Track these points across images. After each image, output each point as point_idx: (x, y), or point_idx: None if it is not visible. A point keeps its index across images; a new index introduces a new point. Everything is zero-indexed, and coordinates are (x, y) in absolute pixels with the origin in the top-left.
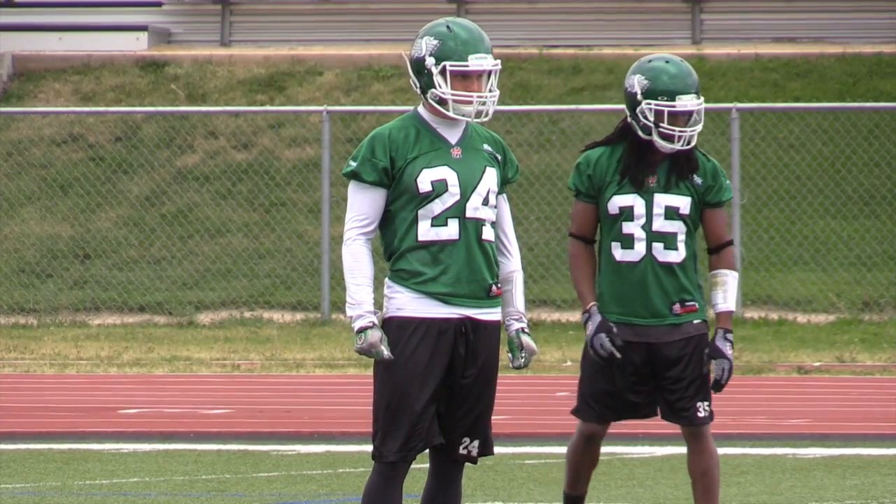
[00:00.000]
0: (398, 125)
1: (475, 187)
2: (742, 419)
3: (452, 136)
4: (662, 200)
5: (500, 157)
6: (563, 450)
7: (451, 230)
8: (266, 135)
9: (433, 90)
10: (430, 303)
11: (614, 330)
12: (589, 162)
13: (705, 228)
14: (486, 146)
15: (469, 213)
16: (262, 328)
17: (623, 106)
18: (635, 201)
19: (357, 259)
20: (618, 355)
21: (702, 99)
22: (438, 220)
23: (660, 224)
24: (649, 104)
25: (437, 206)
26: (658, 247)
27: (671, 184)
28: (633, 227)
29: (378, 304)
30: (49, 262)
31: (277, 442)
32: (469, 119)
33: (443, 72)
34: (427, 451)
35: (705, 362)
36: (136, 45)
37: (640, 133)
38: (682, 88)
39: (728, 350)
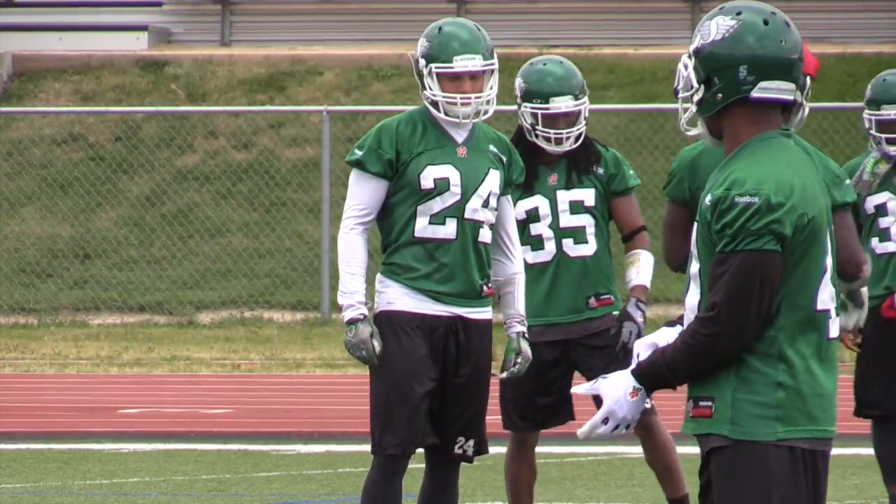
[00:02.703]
0: (407, 118)
1: (476, 189)
2: None
3: (459, 135)
4: (566, 196)
5: (505, 159)
6: (563, 449)
7: (449, 229)
8: (266, 135)
9: (425, 91)
10: (422, 298)
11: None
12: None
13: (616, 218)
14: (492, 147)
15: (468, 214)
16: (262, 328)
17: (623, 105)
18: (539, 202)
19: (353, 248)
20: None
21: (583, 100)
22: (437, 218)
23: (566, 220)
24: (526, 107)
25: (437, 204)
26: (568, 242)
27: (572, 180)
28: (540, 228)
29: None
30: (49, 262)
31: (277, 442)
32: (458, 120)
33: (431, 73)
34: (423, 451)
35: (615, 327)
36: (136, 44)
37: (527, 135)
38: (557, 90)
39: (638, 316)
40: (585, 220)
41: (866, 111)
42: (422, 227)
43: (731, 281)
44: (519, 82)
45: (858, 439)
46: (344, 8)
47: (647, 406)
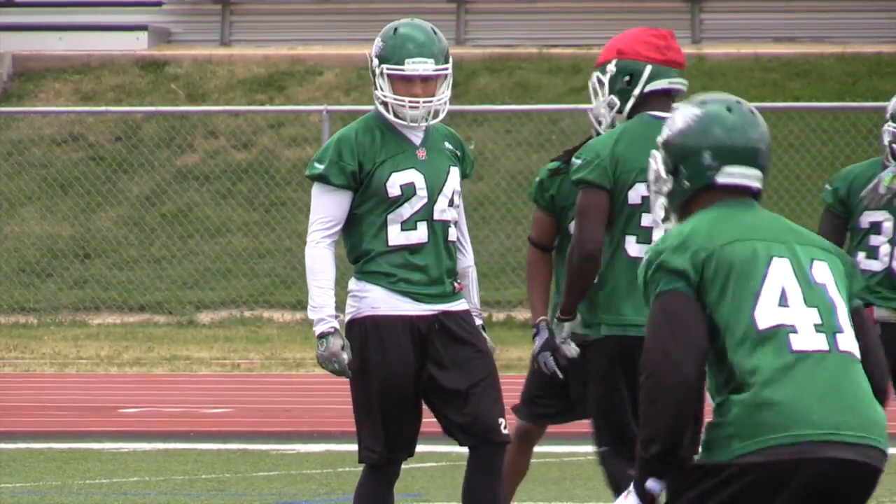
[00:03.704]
0: (363, 126)
1: (441, 189)
2: None
3: (416, 136)
4: None
5: (459, 154)
6: (563, 449)
7: (421, 233)
8: (266, 134)
9: (376, 92)
10: (404, 300)
11: (561, 349)
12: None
13: None
14: (447, 144)
15: (437, 216)
16: (261, 327)
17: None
18: None
19: (321, 262)
20: (560, 375)
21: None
22: (408, 224)
23: None
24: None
25: (407, 210)
26: None
27: None
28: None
29: (339, 307)
30: (49, 262)
31: (277, 441)
32: (404, 123)
33: (383, 74)
34: (467, 447)
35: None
36: (136, 44)
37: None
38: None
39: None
40: None
41: (891, 124)
42: (395, 235)
43: (649, 326)
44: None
45: None
46: (344, 8)
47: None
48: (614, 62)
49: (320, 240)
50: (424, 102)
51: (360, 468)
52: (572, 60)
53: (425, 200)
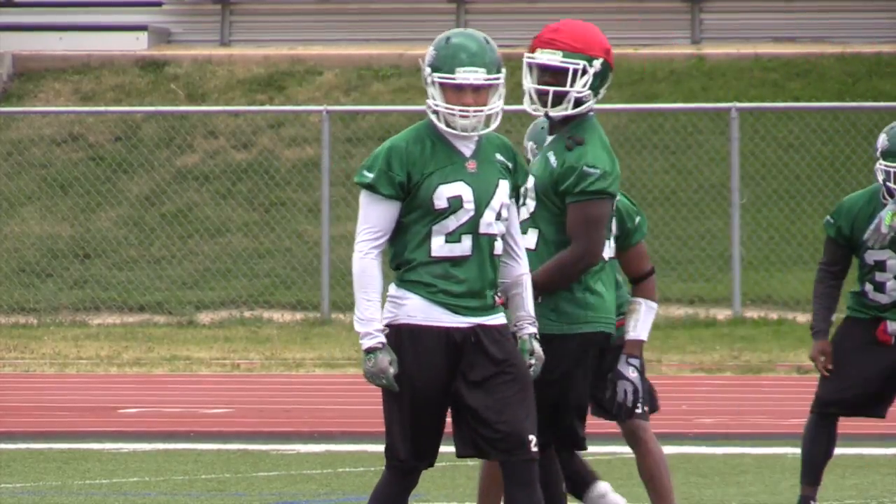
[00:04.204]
0: (414, 136)
1: (489, 202)
2: (742, 419)
3: (467, 147)
4: None
5: (511, 166)
6: None
7: (465, 246)
8: (266, 134)
9: (428, 101)
10: (442, 311)
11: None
12: None
13: (623, 263)
14: (498, 156)
15: (482, 229)
16: (261, 328)
17: (622, 105)
18: None
19: (369, 274)
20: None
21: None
22: (452, 237)
23: None
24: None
25: (452, 223)
26: None
27: None
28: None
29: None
30: (49, 262)
31: (277, 441)
32: (456, 132)
33: (434, 83)
34: (500, 462)
35: (608, 387)
36: (135, 44)
37: None
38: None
39: (630, 372)
40: None
41: (882, 163)
42: (438, 247)
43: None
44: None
45: (859, 439)
46: (343, 8)
47: (637, 411)
48: (602, 61)
49: (368, 250)
50: (475, 112)
51: (361, 468)
52: None
53: (472, 213)
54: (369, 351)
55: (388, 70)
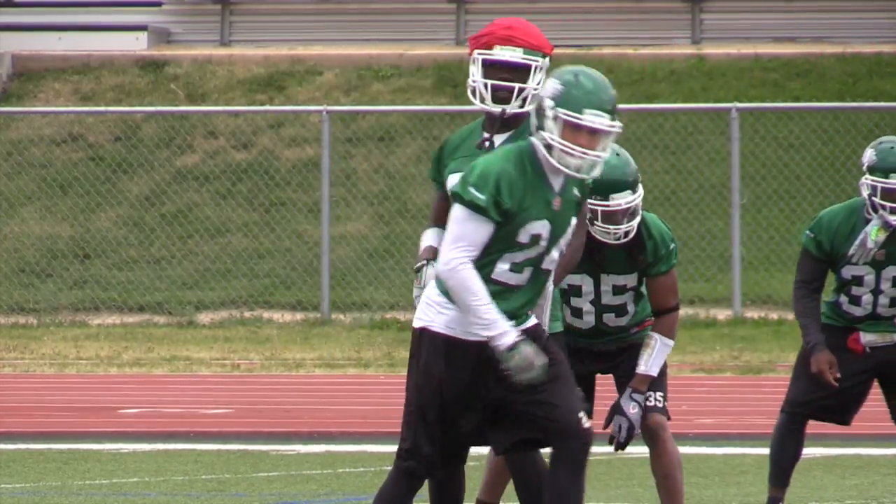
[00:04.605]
0: (517, 162)
1: (559, 241)
2: (742, 419)
3: (557, 182)
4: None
5: (581, 199)
6: None
7: (524, 277)
8: (266, 134)
9: (542, 133)
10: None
11: None
12: None
13: (649, 293)
14: (575, 191)
15: (545, 265)
16: (261, 328)
17: (622, 105)
18: (583, 280)
19: (473, 281)
20: None
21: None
22: (517, 267)
23: (608, 299)
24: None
25: (521, 256)
26: (609, 317)
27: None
28: (581, 303)
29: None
30: (49, 262)
31: (277, 442)
32: (567, 171)
33: (556, 118)
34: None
35: (606, 419)
36: (135, 44)
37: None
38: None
39: (631, 408)
40: (626, 298)
41: (869, 177)
42: (500, 272)
43: None
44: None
45: (859, 439)
46: (343, 8)
47: (659, 405)
48: (548, 59)
49: (465, 260)
50: (591, 155)
51: (361, 469)
52: (573, 60)
53: (542, 251)
54: (511, 348)
55: (388, 70)
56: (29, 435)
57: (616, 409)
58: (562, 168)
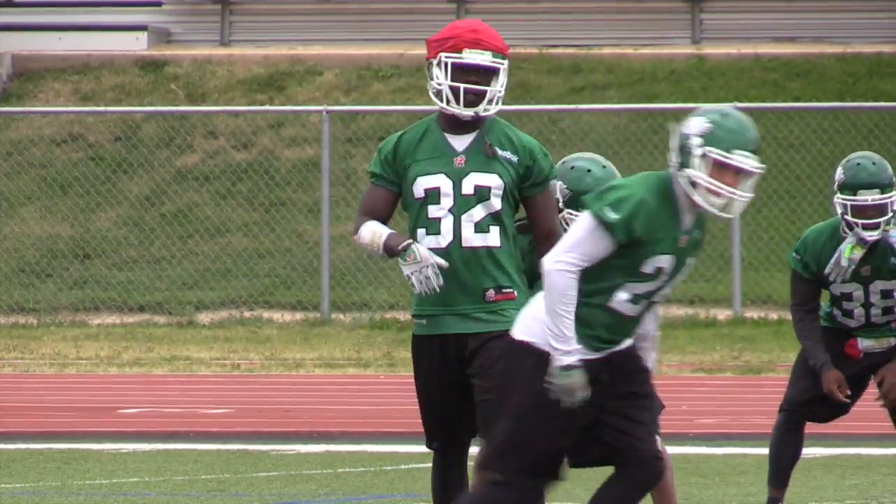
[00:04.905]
0: (660, 195)
1: (676, 279)
2: (741, 419)
3: (688, 220)
4: None
5: (701, 240)
6: None
7: (638, 309)
8: (266, 134)
9: (688, 171)
10: (583, 347)
11: None
12: None
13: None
14: (697, 232)
15: (656, 297)
16: (261, 328)
17: (622, 105)
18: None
19: (571, 291)
20: None
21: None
22: (636, 300)
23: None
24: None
25: (642, 288)
26: None
27: None
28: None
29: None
30: (49, 262)
31: (277, 442)
32: (713, 211)
33: (704, 156)
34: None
35: None
36: (135, 44)
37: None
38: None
39: None
40: None
41: (840, 196)
42: (619, 301)
43: None
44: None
45: (859, 439)
46: (343, 8)
47: None
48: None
49: (574, 268)
50: (738, 194)
51: (361, 468)
52: (572, 61)
53: (660, 284)
54: (567, 368)
55: (388, 70)
56: (29, 435)
57: None
58: (706, 206)
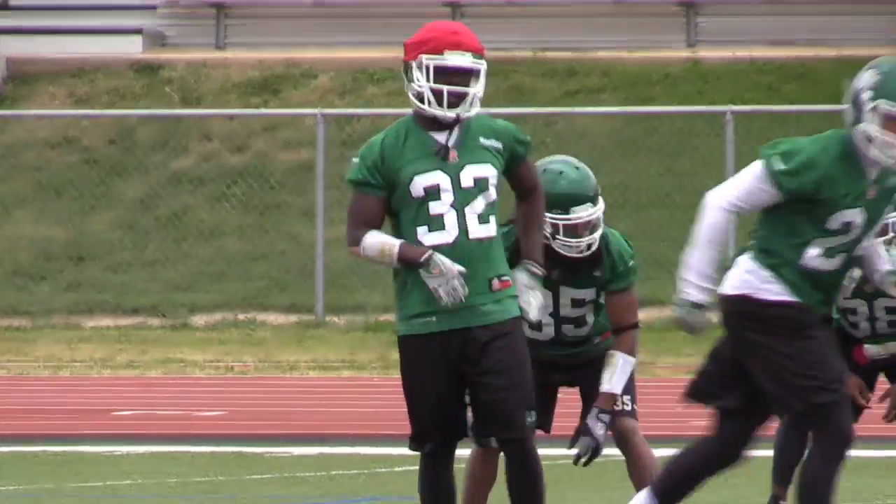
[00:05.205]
0: (838, 152)
1: (872, 229)
2: None
3: (873, 171)
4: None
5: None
6: (556, 451)
7: (836, 262)
8: (260, 137)
9: (862, 126)
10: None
11: None
12: None
13: (608, 311)
14: (893, 179)
15: (857, 252)
16: (255, 330)
17: (617, 108)
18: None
19: (720, 228)
20: None
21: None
22: (829, 252)
23: (566, 311)
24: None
25: (834, 241)
26: (568, 328)
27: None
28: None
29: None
30: (43, 265)
31: (271, 444)
32: (890, 163)
33: (874, 109)
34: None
35: (572, 438)
36: (130, 48)
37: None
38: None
39: (598, 429)
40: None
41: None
42: (811, 257)
43: None
44: None
45: (858, 440)
46: (338, 11)
47: (627, 409)
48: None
49: (731, 209)
50: None
51: (355, 471)
52: (567, 64)
53: (855, 238)
54: (697, 305)
55: (383, 73)
56: (23, 437)
57: (582, 430)
58: (885, 160)
